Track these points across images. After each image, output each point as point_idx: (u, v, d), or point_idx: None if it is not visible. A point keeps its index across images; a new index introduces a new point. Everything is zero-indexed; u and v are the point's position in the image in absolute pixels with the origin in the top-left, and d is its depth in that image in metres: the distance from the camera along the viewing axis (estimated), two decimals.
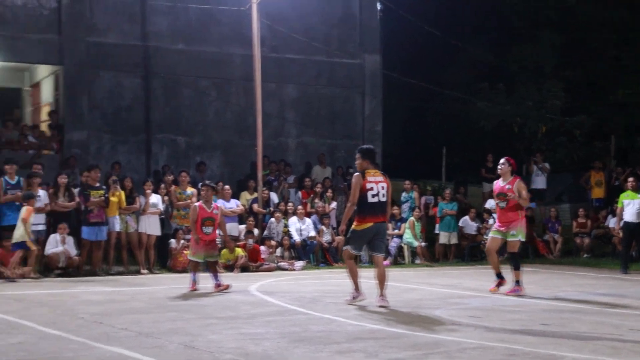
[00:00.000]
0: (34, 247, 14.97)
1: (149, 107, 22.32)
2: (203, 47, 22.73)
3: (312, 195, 20.36)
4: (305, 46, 23.55)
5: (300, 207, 19.47)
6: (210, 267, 13.28)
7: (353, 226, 11.24)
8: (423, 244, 20.05)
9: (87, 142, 21.34)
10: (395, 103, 32.28)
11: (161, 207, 17.11)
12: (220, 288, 12.93)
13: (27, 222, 14.83)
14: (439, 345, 8.02)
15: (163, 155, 22.34)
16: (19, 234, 14.75)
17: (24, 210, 14.89)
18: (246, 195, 19.44)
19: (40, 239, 15.80)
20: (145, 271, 16.47)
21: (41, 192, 15.92)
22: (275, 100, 23.62)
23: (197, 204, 13.50)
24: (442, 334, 8.72)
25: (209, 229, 13.11)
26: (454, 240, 20.53)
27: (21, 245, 14.76)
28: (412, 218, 20.14)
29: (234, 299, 12.03)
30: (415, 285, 14.52)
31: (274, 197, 19.92)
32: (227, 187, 18.64)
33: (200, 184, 16.03)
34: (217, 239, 13.62)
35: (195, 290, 12.93)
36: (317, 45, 23.68)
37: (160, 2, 22.15)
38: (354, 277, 11.33)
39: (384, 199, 11.12)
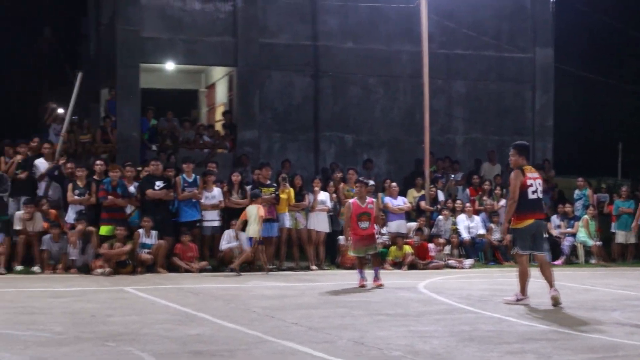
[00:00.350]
0: (254, 246, 15.63)
1: (317, 106, 22.66)
2: (371, 45, 22.84)
3: (480, 193, 20.02)
4: (475, 41, 23.20)
5: (468, 204, 19.20)
6: (374, 260, 13.47)
7: (512, 225, 11.00)
8: (598, 243, 19.27)
9: (258, 141, 21.94)
10: (567, 97, 31.19)
11: (329, 204, 17.32)
12: (377, 284, 13.08)
13: (261, 218, 15.45)
14: (616, 349, 7.68)
15: (331, 153, 22.63)
16: (253, 230, 15.39)
17: (258, 208, 15.49)
18: (413, 193, 19.36)
19: (216, 235, 16.39)
20: (314, 267, 16.73)
21: (215, 190, 16.51)
22: (442, 97, 23.40)
23: (351, 200, 13.80)
24: (620, 337, 8.33)
25: (365, 224, 13.35)
26: (632, 240, 19.59)
27: (250, 240, 15.50)
28: (586, 216, 19.42)
29: (403, 297, 12.02)
30: (590, 286, 13.99)
31: (440, 194, 19.73)
32: (394, 184, 18.64)
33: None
34: (374, 233, 13.74)
35: (363, 286, 13.04)
36: (487, 39, 23.27)
37: (330, 1, 22.45)
38: (523, 280, 11.05)
39: (541, 195, 11.05)
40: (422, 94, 19.86)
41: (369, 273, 13.39)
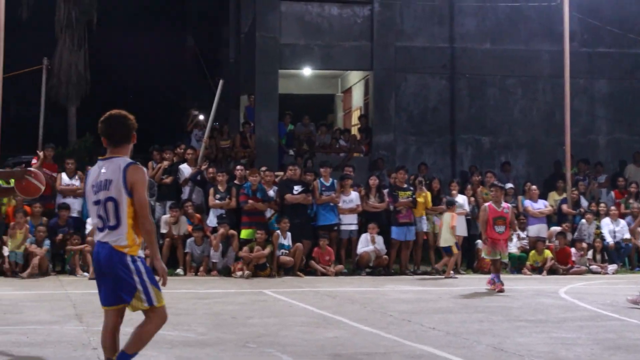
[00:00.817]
0: (456, 251, 15.83)
1: (453, 108, 22.46)
2: (510, 45, 22.46)
3: (626, 196, 19.25)
4: (620, 38, 22.38)
5: (613, 207, 18.50)
6: (497, 265, 13.47)
7: None
8: None
9: (394, 144, 21.93)
10: None
11: (467, 207, 17.11)
12: (498, 287, 13.00)
13: (454, 227, 15.66)
14: None
15: (467, 156, 22.36)
16: (445, 239, 15.66)
17: (450, 216, 15.72)
18: (554, 196, 18.83)
19: (353, 238, 16.50)
20: (451, 271, 16.55)
21: (353, 194, 16.60)
22: (584, 96, 22.69)
23: (487, 204, 13.88)
24: None
25: (500, 228, 13.37)
26: None
27: (447, 249, 15.74)
28: None
29: (543, 302, 11.74)
30: None
31: (582, 197, 19.10)
32: (534, 187, 18.20)
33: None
34: (507, 239, 13.73)
35: (501, 291, 12.83)
36: (634, 36, 22.39)
37: (468, 2, 22.28)
38: None
39: None
40: (562, 94, 19.33)
41: (506, 278, 13.18)
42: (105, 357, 5.97)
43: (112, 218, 5.75)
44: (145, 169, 5.94)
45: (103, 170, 5.84)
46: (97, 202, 5.81)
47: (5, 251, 14.48)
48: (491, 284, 13.27)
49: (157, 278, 5.85)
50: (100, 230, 5.83)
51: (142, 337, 5.85)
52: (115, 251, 5.72)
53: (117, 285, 5.74)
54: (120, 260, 5.72)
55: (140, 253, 5.87)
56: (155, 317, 5.85)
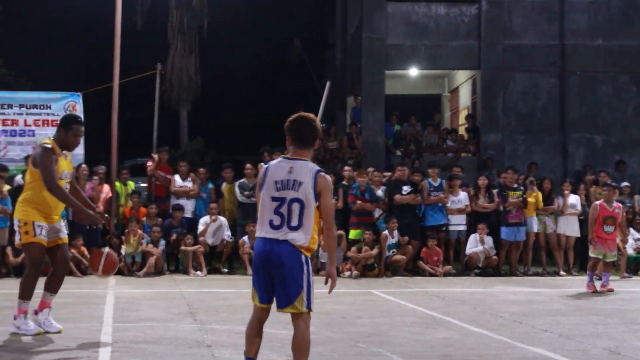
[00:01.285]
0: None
1: (564, 106, 21.99)
2: (624, 41, 21.83)
3: None
4: None
5: None
6: (605, 266, 13.26)
7: None
8: None
9: (502, 144, 21.62)
10: None
11: (579, 207, 16.72)
12: (607, 289, 12.91)
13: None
14: None
15: (579, 155, 21.85)
16: None
17: None
18: None
19: (462, 239, 16.37)
20: (563, 273, 16.23)
21: (462, 194, 16.47)
22: None
23: (597, 202, 13.60)
24: None
25: (609, 228, 13.21)
26: None
27: None
28: None
29: None
30: None
31: None
32: None
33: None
34: (615, 239, 13.49)
35: (595, 291, 12.84)
36: None
37: None
38: None
39: None
40: None
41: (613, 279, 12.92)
42: (250, 352, 6.09)
43: (296, 219, 5.82)
44: (330, 178, 6.02)
45: (291, 171, 5.89)
46: (278, 199, 5.85)
47: (123, 250, 15.01)
48: (603, 286, 12.98)
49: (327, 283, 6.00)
50: (276, 228, 5.84)
51: (306, 345, 5.92)
52: (295, 249, 5.81)
53: (287, 283, 5.83)
54: (298, 259, 5.82)
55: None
56: (308, 319, 5.95)
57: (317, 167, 5.92)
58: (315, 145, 6.03)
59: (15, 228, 8.40)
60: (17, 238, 8.39)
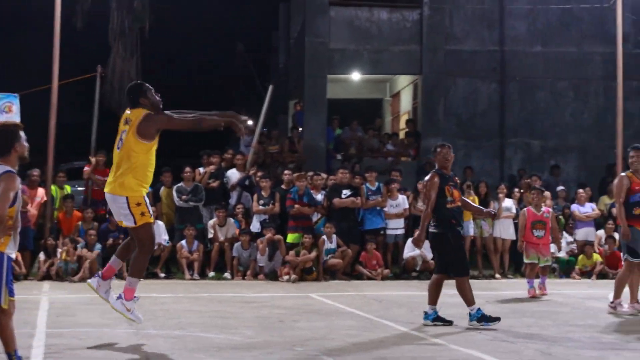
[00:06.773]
0: None
1: (503, 112, 22.33)
2: (561, 48, 22.28)
3: None
4: None
5: None
6: (542, 270, 13.40)
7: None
8: None
9: None
10: None
11: (514, 211, 16.97)
12: (543, 292, 13.05)
13: None
14: None
15: (516, 160, 22.21)
16: None
17: None
18: (605, 200, 18.57)
19: (399, 242, 16.47)
20: (498, 276, 16.46)
21: (400, 198, 16.59)
22: (637, 99, 22.37)
23: (525, 208, 13.80)
24: None
25: (540, 232, 13.29)
26: None
27: None
28: None
29: (593, 307, 11.63)
30: None
31: None
32: (580, 190, 17.95)
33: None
34: (549, 243, 13.59)
35: (534, 297, 12.87)
36: None
37: (519, 5, 22.16)
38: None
39: None
40: (614, 96, 19.06)
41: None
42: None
43: None
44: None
45: None
46: None
47: (58, 254, 14.79)
48: (540, 289, 13.18)
49: None
50: None
51: None
52: None
53: None
54: None
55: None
56: None
57: (7, 168, 6.15)
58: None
59: (121, 206, 8.16)
60: (125, 219, 8.17)
